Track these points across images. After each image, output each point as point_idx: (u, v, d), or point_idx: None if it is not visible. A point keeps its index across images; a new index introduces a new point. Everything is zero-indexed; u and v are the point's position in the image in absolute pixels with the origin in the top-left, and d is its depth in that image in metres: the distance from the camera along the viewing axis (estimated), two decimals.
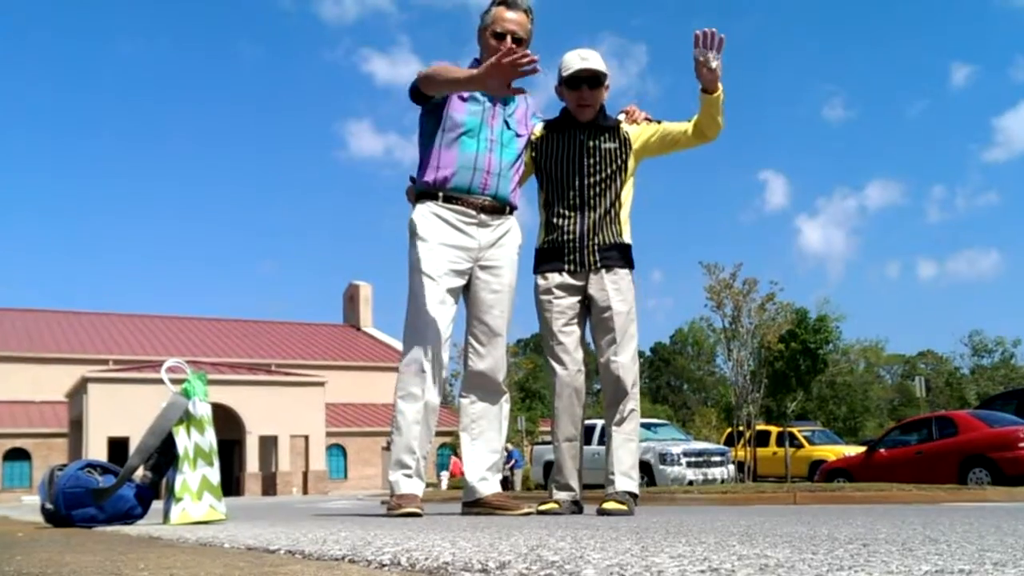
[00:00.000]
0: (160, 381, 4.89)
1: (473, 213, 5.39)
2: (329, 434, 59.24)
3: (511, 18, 5.38)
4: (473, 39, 5.56)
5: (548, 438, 46.31)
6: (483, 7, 5.52)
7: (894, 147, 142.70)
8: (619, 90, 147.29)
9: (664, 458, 24.71)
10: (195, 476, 4.52)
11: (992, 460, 17.79)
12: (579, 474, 5.72)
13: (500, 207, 5.48)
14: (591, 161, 5.57)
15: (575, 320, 5.60)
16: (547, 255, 5.62)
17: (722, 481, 25.16)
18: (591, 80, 5.55)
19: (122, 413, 47.28)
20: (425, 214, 5.37)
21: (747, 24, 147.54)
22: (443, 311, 5.26)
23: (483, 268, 5.44)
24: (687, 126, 5.68)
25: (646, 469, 23.53)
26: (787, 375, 35.88)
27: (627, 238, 5.65)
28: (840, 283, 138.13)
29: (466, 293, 5.50)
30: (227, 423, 50.54)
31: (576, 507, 5.64)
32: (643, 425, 25.80)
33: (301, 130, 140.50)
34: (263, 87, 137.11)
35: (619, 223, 5.62)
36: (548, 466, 29.48)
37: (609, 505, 5.26)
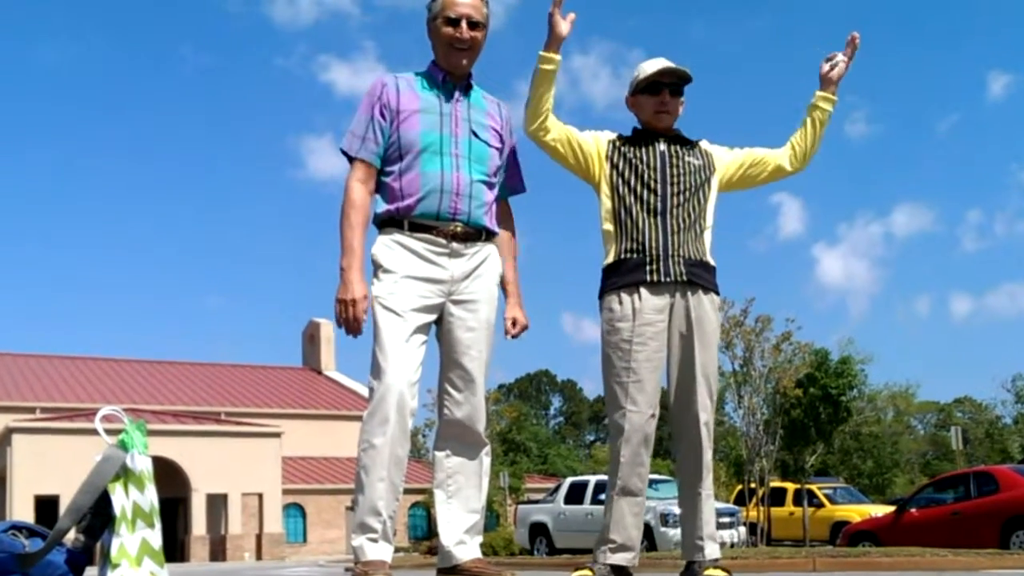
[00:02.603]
0: (94, 432, 4.88)
1: (443, 242, 5.34)
2: (286, 492, 59.03)
3: (464, 0, 5.36)
4: None
5: (534, 496, 46.26)
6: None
7: (924, 167, 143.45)
8: (614, 100, 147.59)
9: (666, 519, 24.68)
10: (134, 539, 4.51)
11: None
12: (640, 536, 5.63)
13: (474, 233, 5.43)
14: (674, 171, 5.59)
15: (659, 352, 5.55)
16: (622, 267, 5.58)
17: (732, 545, 25.15)
18: (673, 86, 5.64)
19: (51, 468, 47.05)
20: (389, 244, 5.34)
21: (755, 27, 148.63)
22: (411, 352, 5.21)
23: (457, 303, 5.39)
24: (780, 152, 5.83)
25: (646, 532, 23.51)
26: (805, 425, 35.94)
27: (712, 259, 5.67)
28: (864, 320, 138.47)
29: (438, 332, 5.47)
30: (170, 479, 50.34)
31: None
32: None
33: (252, 147, 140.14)
34: (207, 98, 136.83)
35: (703, 243, 5.63)
36: (534, 528, 29.40)
37: (714, 572, 5.34)
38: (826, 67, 5.81)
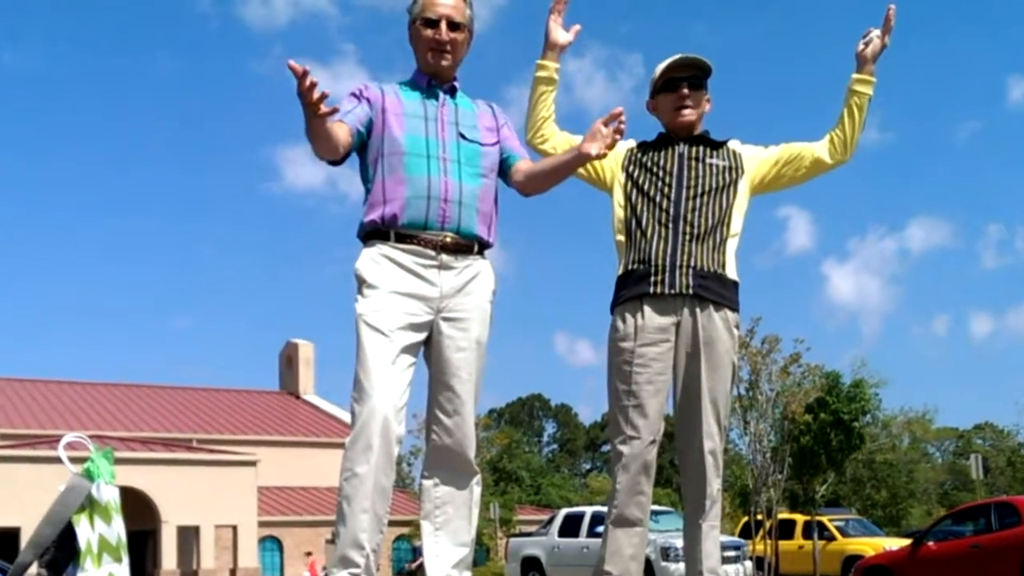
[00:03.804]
0: (57, 460, 4.87)
1: (432, 254, 5.29)
2: (262, 524, 58.92)
3: (443, 1, 5.37)
4: None
5: (526, 528, 46.20)
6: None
7: (940, 178, 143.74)
8: (610, 106, 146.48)
9: (667, 553, 24.68)
10: (100, 575, 4.50)
11: None
12: (639, 569, 5.60)
13: (466, 244, 5.38)
14: (692, 174, 5.57)
15: (663, 375, 5.52)
16: (628, 279, 5.57)
17: None
18: (692, 79, 5.63)
19: (12, 499, 46.90)
20: (374, 258, 5.30)
21: (760, 28, 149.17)
22: (397, 374, 5.17)
23: (447, 321, 5.35)
24: (818, 144, 5.74)
25: (646, 566, 23.47)
26: (815, 452, 35.93)
27: (732, 272, 5.62)
28: (878, 342, 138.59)
29: (427, 352, 5.43)
30: (139, 510, 50.24)
31: None
32: None
33: (225, 156, 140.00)
34: (176, 104, 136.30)
35: (723, 253, 5.58)
36: (526, 562, 29.39)
37: None
38: (860, 44, 5.72)
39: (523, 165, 5.56)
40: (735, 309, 5.63)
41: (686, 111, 5.64)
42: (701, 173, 5.57)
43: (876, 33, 5.72)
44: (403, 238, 5.29)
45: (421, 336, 5.32)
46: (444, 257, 5.32)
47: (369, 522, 5.14)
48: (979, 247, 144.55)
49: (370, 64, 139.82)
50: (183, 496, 53.18)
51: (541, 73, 5.61)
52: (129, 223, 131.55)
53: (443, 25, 5.34)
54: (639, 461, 5.47)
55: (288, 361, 79.72)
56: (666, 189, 5.54)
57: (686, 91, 5.63)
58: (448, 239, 5.32)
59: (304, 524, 63.49)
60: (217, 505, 54.38)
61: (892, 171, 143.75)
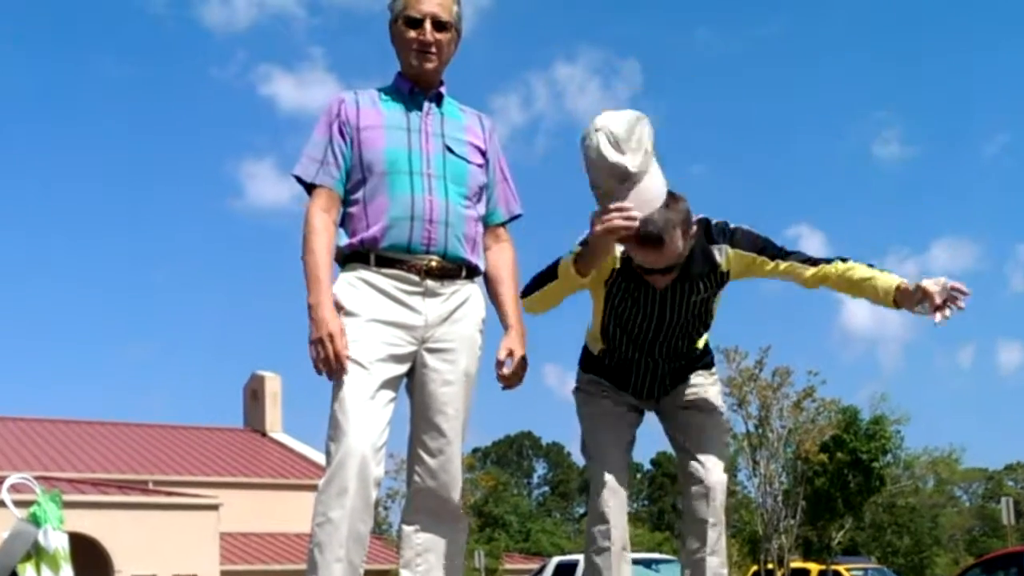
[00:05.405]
0: (0, 504, 4.84)
1: (416, 279, 5.24)
2: (225, 573, 58.84)
3: None
4: None
5: None
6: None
7: (967, 195, 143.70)
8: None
9: None
10: None
11: None
12: None
13: (453, 269, 5.33)
14: (673, 316, 5.59)
15: (635, 423, 5.84)
16: (601, 367, 5.83)
17: None
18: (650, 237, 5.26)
19: None
20: (352, 282, 5.25)
21: (771, 32, 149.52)
22: (377, 411, 5.12)
23: (432, 352, 5.30)
24: (811, 272, 5.66)
25: None
26: (831, 495, 35.96)
27: (702, 345, 5.88)
28: (899, 374, 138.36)
29: (409, 385, 5.39)
30: (90, 559, 50.09)
31: None
32: (641, 562, 25.86)
33: (182, 171, 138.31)
34: (129, 115, 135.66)
35: (696, 347, 5.82)
36: None
37: None
38: (916, 298, 5.81)
39: (494, 243, 5.63)
40: (711, 366, 5.95)
41: (661, 277, 5.41)
42: (684, 313, 5.58)
43: (927, 306, 5.79)
44: (384, 262, 5.24)
45: (403, 368, 5.27)
46: (429, 283, 5.26)
47: (343, 572, 5.10)
48: (1008, 270, 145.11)
49: (340, 70, 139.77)
50: (138, 543, 53.07)
51: (580, 281, 5.43)
52: (78, 242, 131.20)
53: (427, 24, 5.28)
54: (622, 494, 5.63)
55: (253, 395, 79.53)
56: (645, 324, 5.61)
57: (651, 253, 5.25)
58: (433, 264, 5.26)
59: (271, 574, 63.39)
60: (176, 553, 54.28)
61: (914, 188, 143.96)
